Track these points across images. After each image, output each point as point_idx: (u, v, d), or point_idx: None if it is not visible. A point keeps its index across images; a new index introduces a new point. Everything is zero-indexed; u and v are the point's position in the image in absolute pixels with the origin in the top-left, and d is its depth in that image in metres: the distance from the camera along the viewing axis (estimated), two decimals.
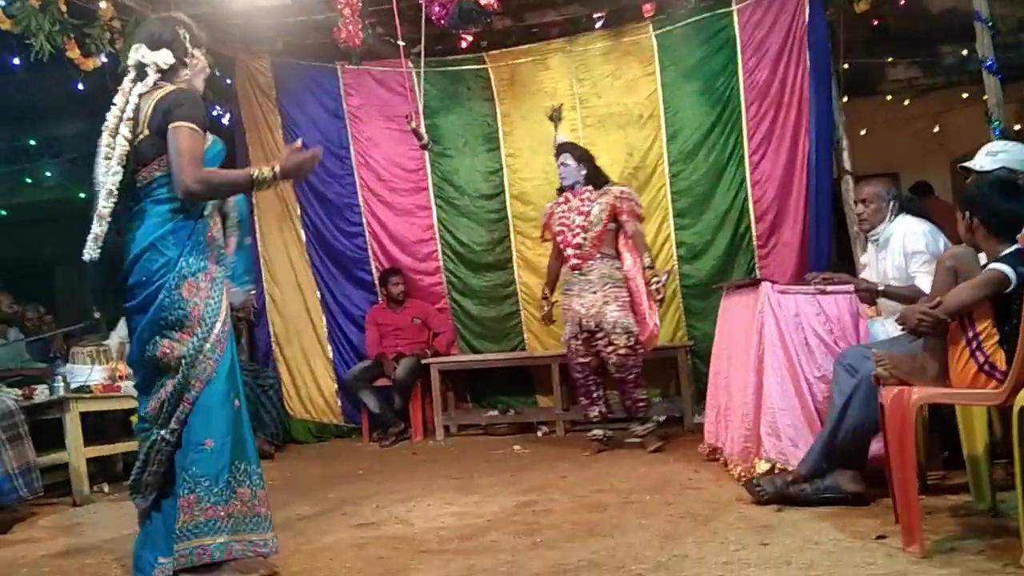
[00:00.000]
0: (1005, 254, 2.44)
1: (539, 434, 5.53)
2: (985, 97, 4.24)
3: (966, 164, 3.37)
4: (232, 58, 6.11)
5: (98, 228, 2.59)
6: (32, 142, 7.24)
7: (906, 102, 7.09)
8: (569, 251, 4.61)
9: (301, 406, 6.17)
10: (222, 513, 2.54)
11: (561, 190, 4.80)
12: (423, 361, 5.76)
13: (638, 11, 5.65)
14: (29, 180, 7.45)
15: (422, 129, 5.01)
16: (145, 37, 2.72)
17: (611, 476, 3.98)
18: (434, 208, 6.09)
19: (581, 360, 4.63)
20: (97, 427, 5.04)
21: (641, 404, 4.64)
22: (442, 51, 5.80)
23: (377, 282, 6.14)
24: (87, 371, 4.73)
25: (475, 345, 6.11)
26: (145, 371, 2.71)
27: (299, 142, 2.87)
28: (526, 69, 5.90)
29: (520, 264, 5.99)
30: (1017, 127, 6.59)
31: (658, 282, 4.53)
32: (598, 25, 5.71)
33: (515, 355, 5.92)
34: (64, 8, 4.70)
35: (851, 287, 3.55)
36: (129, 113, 2.62)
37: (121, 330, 5.33)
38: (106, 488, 4.65)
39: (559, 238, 4.67)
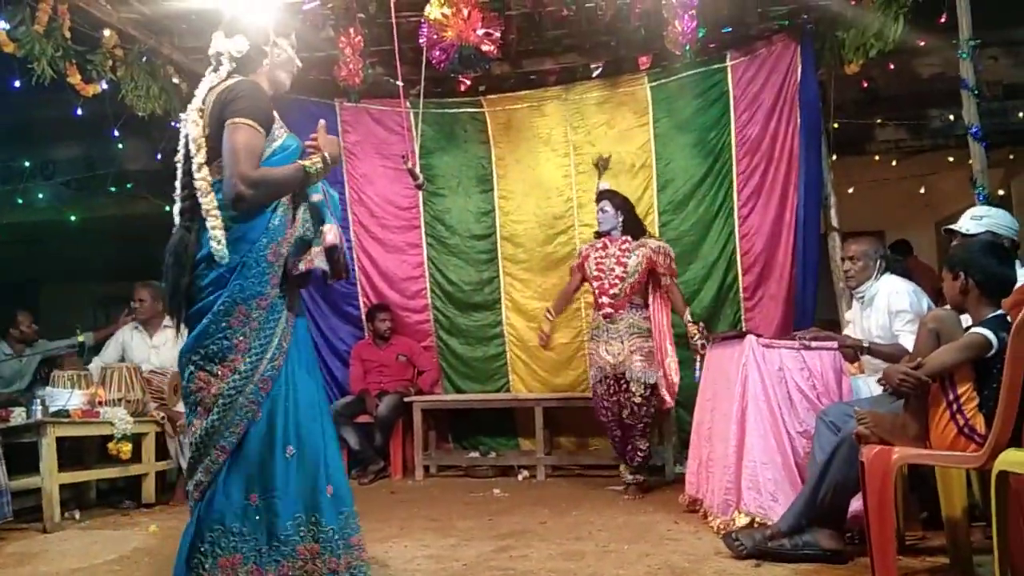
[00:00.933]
0: (988, 318, 2.48)
1: (519, 478, 5.49)
2: (970, 162, 4.32)
3: (951, 227, 3.43)
4: None
5: (216, 225, 2.32)
6: (27, 163, 7.25)
7: (893, 163, 7.22)
8: (605, 299, 4.71)
9: None
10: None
11: (599, 234, 4.95)
12: (406, 399, 5.73)
13: (634, 63, 5.75)
14: (20, 200, 7.44)
15: (417, 169, 5.04)
16: (224, 23, 2.51)
17: (590, 524, 3.95)
18: (425, 246, 6.12)
19: (606, 405, 4.70)
20: (74, 452, 4.99)
21: (641, 454, 4.70)
22: (440, 93, 5.88)
23: (364, 318, 6.13)
24: (67, 395, 4.67)
25: (459, 385, 6.09)
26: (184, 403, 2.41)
27: (322, 122, 2.60)
28: (522, 114, 5.98)
29: (508, 305, 6.00)
30: (1001, 192, 6.72)
31: (702, 337, 4.61)
32: (595, 75, 5.80)
33: (499, 396, 5.90)
34: (68, 34, 4.75)
35: (835, 343, 3.59)
36: (198, 105, 2.42)
37: (105, 355, 5.31)
38: (77, 515, 4.58)
39: (595, 283, 4.78)
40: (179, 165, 2.47)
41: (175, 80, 5.63)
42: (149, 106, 5.47)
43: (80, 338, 5.53)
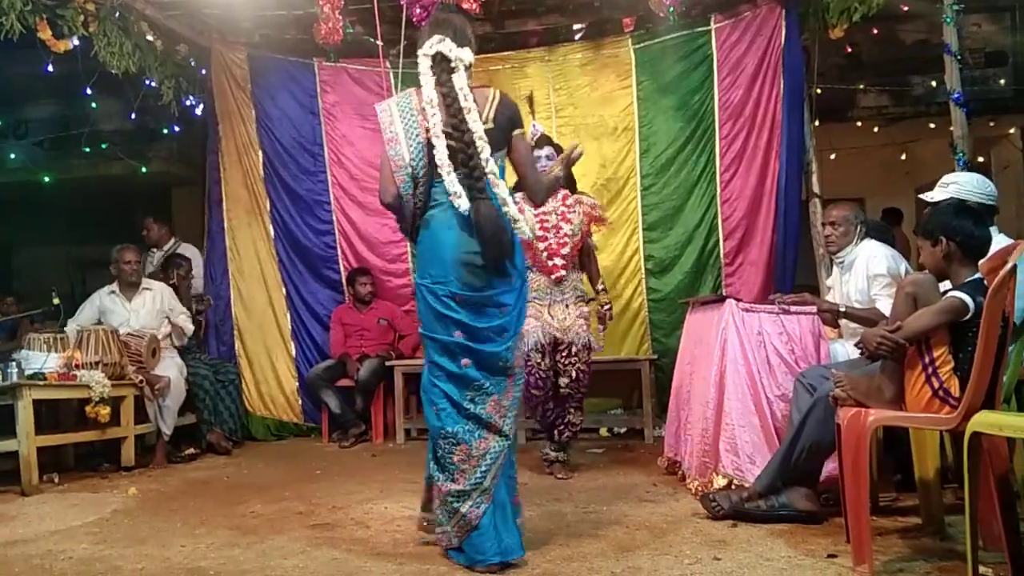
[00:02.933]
0: (965, 282, 2.49)
1: None
2: (951, 128, 4.33)
3: (922, 195, 3.44)
4: (208, 48, 6.04)
5: (512, 207, 2.72)
6: None
7: (875, 129, 7.24)
8: (557, 260, 4.19)
9: (261, 403, 6.09)
10: None
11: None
12: (387, 363, 5.73)
13: (618, 25, 5.69)
14: None
15: None
16: (450, 31, 2.81)
17: (569, 486, 3.99)
18: None
19: (543, 375, 4.15)
20: (51, 415, 4.96)
21: (572, 428, 4.29)
22: None
23: (344, 281, 6.09)
24: (42, 358, 4.62)
25: None
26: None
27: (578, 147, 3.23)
28: (504, 75, 5.91)
29: None
30: (980, 159, 6.76)
31: (608, 307, 4.44)
32: (578, 36, 5.75)
33: None
34: None
35: (814, 307, 3.61)
36: (466, 103, 2.69)
37: (81, 317, 5.25)
38: (56, 479, 4.55)
39: (542, 244, 4.18)
40: (423, 145, 2.72)
41: (149, 38, 5.51)
42: (123, 64, 5.36)
43: (56, 300, 5.45)
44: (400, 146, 2.71)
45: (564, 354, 4.20)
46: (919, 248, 2.76)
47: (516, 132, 2.81)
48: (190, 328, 5.44)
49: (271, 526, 3.36)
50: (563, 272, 4.22)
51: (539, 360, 4.13)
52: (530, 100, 4.51)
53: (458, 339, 2.70)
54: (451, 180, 2.64)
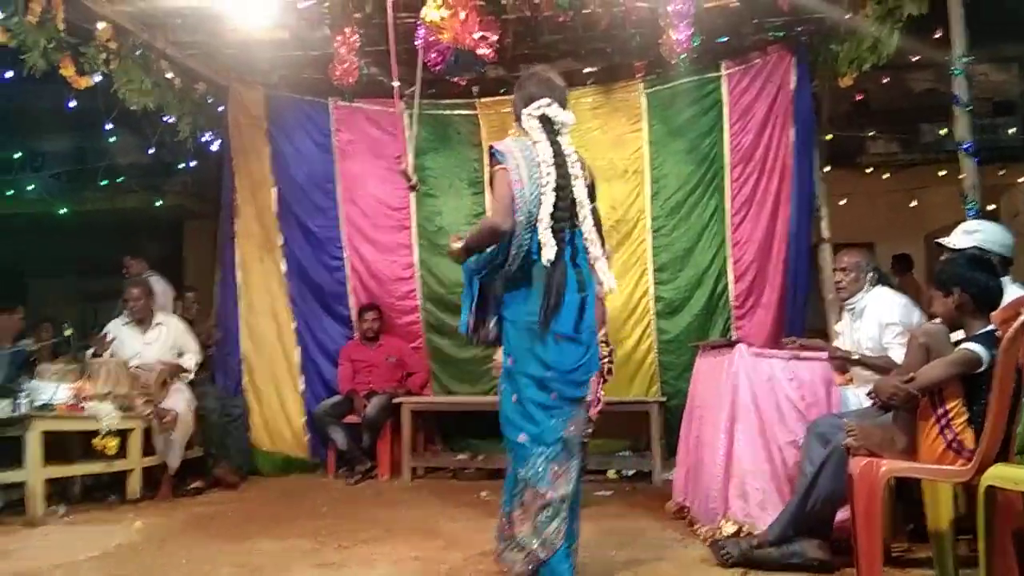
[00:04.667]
0: (978, 334, 2.50)
1: None
2: (961, 176, 4.35)
3: (941, 240, 3.45)
4: (226, 87, 6.14)
5: (599, 253, 2.96)
6: (16, 155, 7.20)
7: (885, 176, 7.27)
8: None
9: (268, 438, 6.07)
10: None
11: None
12: (395, 400, 5.72)
13: (629, 70, 5.77)
14: (11, 192, 7.38)
15: (411, 171, 5.05)
16: (556, 94, 3.00)
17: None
18: (416, 247, 6.10)
19: None
20: (58, 446, 4.94)
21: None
22: (435, 94, 5.86)
23: (354, 317, 6.12)
24: (52, 389, 4.64)
25: (449, 386, 6.08)
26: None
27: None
28: None
29: None
30: (992, 207, 6.78)
31: (607, 359, 4.42)
32: (589, 81, 5.81)
33: (489, 398, 5.88)
34: (61, 26, 4.73)
35: (825, 354, 3.61)
36: (574, 162, 2.92)
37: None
38: (62, 510, 4.53)
39: None
40: (535, 203, 2.85)
41: (168, 75, 5.62)
42: (142, 100, 5.45)
43: (68, 331, 5.48)
44: (524, 189, 2.84)
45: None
46: (931, 297, 2.77)
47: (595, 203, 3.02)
48: (191, 367, 5.42)
49: (276, 564, 3.34)
50: None
51: None
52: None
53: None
54: (546, 232, 2.80)
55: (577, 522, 2.95)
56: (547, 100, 2.96)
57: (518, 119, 3.02)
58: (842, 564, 3.03)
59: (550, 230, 2.79)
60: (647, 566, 3.20)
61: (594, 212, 2.99)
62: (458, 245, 2.96)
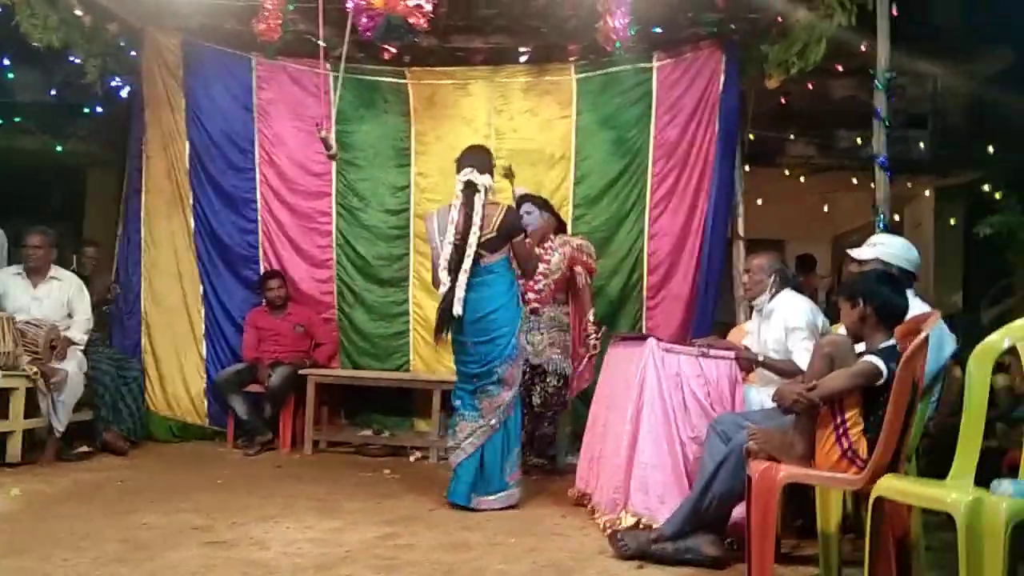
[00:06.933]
0: (880, 348, 2.57)
1: (411, 459, 5.44)
2: (872, 186, 4.49)
3: (850, 251, 3.54)
4: (140, 30, 5.81)
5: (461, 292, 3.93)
6: None
7: (801, 178, 7.47)
8: (531, 295, 4.81)
9: (165, 403, 5.84)
10: None
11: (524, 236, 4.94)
12: (300, 371, 5.57)
13: (563, 52, 5.72)
14: None
15: (332, 139, 4.88)
16: (476, 163, 4.09)
17: (479, 513, 3.93)
18: (335, 216, 5.94)
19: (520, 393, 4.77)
20: None
21: (547, 439, 5.00)
22: (363, 59, 5.69)
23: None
24: None
25: (357, 361, 5.96)
26: None
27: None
28: (446, 91, 5.87)
29: (416, 284, 5.89)
30: (896, 217, 7.05)
31: (596, 337, 4.81)
32: (522, 59, 5.74)
33: (399, 376, 5.82)
34: None
35: (732, 353, 3.67)
36: (476, 221, 3.93)
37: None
38: None
39: (520, 281, 4.64)
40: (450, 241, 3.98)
41: (77, 12, 5.25)
42: (46, 37, 5.10)
43: None
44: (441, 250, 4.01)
45: (539, 378, 4.81)
46: (837, 305, 2.84)
47: (516, 239, 4.09)
48: (80, 339, 5.08)
49: (164, 541, 3.20)
50: (536, 305, 4.83)
51: None
52: (509, 171, 5.19)
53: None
54: (444, 274, 3.99)
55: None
56: (469, 168, 4.04)
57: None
58: (734, 559, 3.10)
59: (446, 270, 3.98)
60: (546, 555, 3.21)
61: (514, 249, 4.13)
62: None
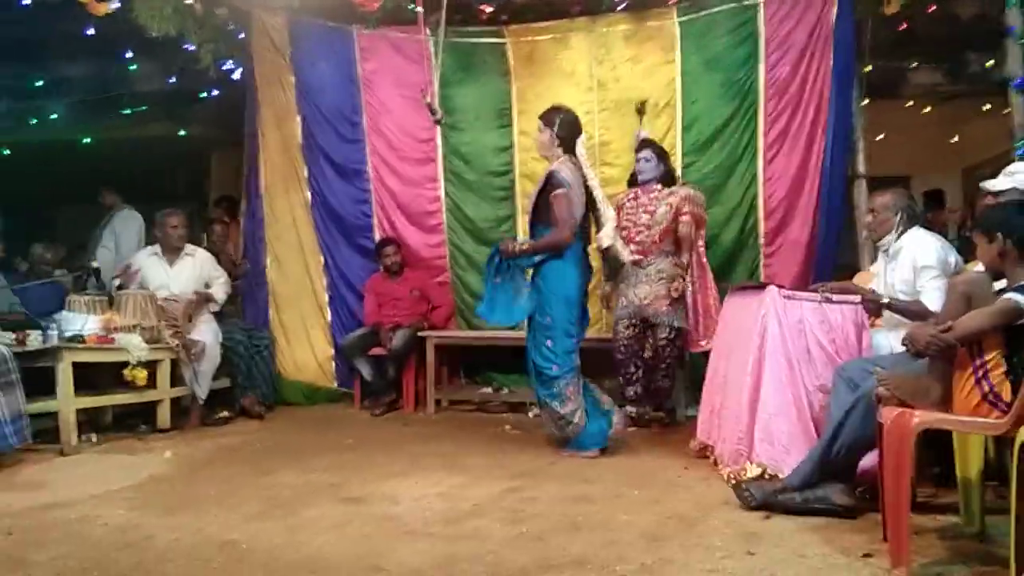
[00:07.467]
0: (1022, 284, 2.40)
1: (530, 415, 5.51)
2: (1007, 111, 4.17)
3: (984, 183, 3.32)
4: (248, 13, 6.00)
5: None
6: (39, 82, 7.12)
7: (927, 108, 7.00)
8: (632, 247, 4.82)
9: (295, 368, 6.13)
10: None
11: (632, 183, 5.06)
12: (419, 333, 5.73)
13: None
14: (34, 120, 7.34)
15: (436, 103, 4.93)
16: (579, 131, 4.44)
17: (599, 465, 3.97)
18: (442, 181, 6.02)
19: (626, 343, 4.87)
20: (88, 376, 5.02)
21: (664, 392, 5.00)
22: (461, 21, 5.69)
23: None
24: (82, 320, 4.69)
25: (473, 321, 6.07)
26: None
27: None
28: (545, 46, 5.80)
29: None
30: None
31: (678, 288, 4.84)
32: (621, 7, 5.60)
33: (513, 334, 5.87)
34: None
35: (857, 298, 3.52)
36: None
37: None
38: (94, 438, 4.64)
39: (623, 233, 4.83)
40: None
41: (188, 1, 5.47)
42: (162, 27, 5.35)
43: (94, 264, 5.51)
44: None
45: (649, 331, 4.87)
46: (970, 242, 2.67)
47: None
48: (221, 298, 5.47)
49: (301, 499, 3.39)
50: (640, 257, 4.84)
51: (623, 331, 4.87)
52: (642, 107, 5.31)
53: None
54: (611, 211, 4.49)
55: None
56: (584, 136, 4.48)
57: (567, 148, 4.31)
58: (865, 509, 3.01)
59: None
60: (669, 507, 3.21)
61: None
62: (521, 248, 4.21)
